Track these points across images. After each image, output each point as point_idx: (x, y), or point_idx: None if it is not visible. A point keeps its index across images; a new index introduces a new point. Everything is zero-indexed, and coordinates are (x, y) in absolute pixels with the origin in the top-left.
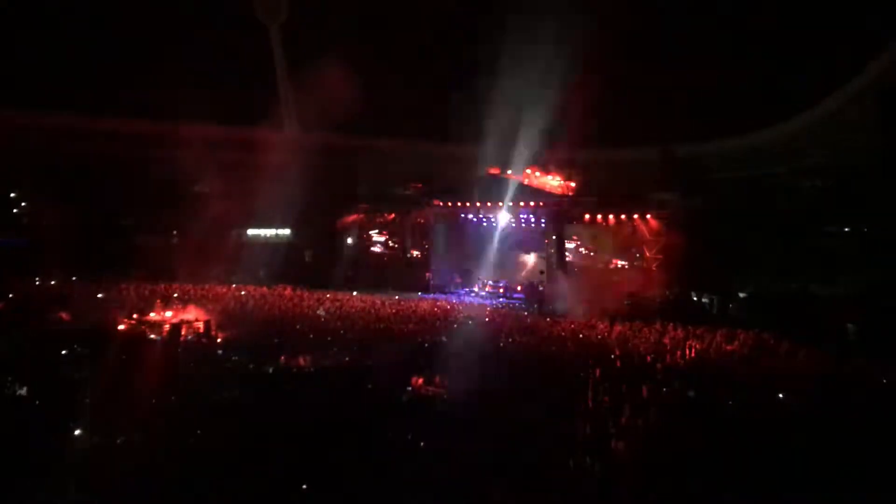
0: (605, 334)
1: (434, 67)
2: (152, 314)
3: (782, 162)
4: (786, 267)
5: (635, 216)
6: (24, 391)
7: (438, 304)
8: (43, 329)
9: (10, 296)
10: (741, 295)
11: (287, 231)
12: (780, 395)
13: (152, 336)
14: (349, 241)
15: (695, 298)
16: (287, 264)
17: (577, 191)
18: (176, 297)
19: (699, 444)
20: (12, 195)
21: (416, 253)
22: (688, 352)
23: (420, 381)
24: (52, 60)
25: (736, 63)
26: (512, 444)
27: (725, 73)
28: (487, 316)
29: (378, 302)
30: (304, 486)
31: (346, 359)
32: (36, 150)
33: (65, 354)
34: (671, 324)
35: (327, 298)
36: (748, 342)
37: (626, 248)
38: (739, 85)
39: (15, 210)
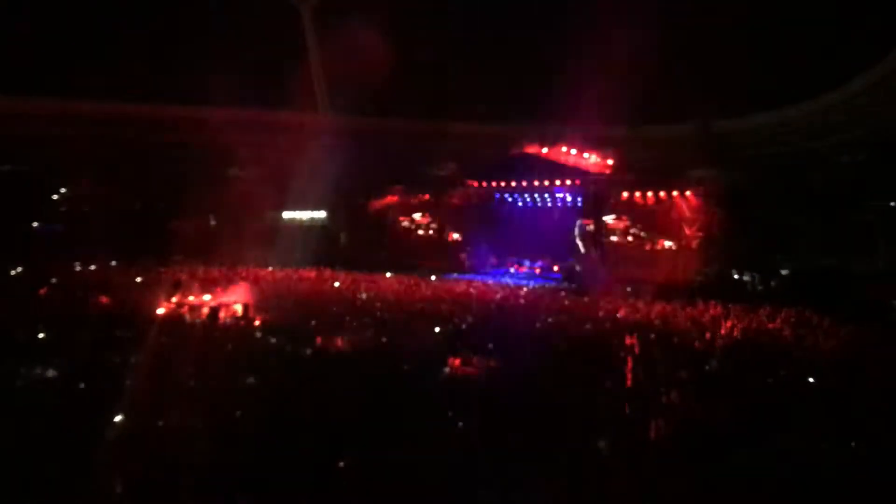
0: (644, 313)
1: (467, 46)
2: (191, 297)
3: (821, 136)
4: (827, 243)
5: (674, 193)
6: (65, 375)
7: (474, 284)
8: (83, 313)
9: (52, 280)
10: (782, 272)
11: (322, 213)
12: (820, 374)
13: (191, 319)
14: (384, 222)
15: (735, 276)
16: (323, 246)
17: (615, 168)
18: (213, 280)
19: (736, 426)
20: (52, 181)
21: (451, 234)
22: (728, 330)
23: (457, 361)
24: (88, 46)
25: (772, 37)
26: (549, 425)
27: (762, 47)
28: (524, 296)
29: (414, 283)
30: (341, 465)
31: (383, 340)
32: (74, 137)
33: (105, 338)
34: (711, 302)
35: (363, 280)
36: (789, 320)
37: (665, 226)
38: (776, 59)
39: (54, 196)
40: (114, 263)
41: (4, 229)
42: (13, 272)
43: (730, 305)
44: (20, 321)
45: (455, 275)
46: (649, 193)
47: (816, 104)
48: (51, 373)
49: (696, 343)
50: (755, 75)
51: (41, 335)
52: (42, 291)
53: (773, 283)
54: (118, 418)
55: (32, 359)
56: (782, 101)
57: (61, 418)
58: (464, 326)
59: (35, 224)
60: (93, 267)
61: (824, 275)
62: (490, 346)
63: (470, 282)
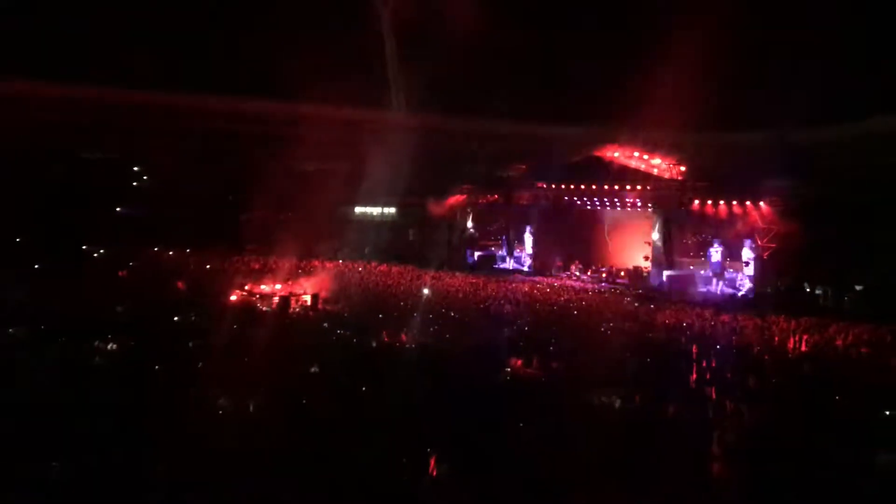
0: (711, 323)
1: (541, 47)
2: (263, 286)
3: None
4: None
5: (747, 203)
6: (142, 355)
7: (538, 286)
8: (161, 297)
9: (131, 264)
10: (857, 287)
11: (392, 210)
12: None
13: (263, 307)
14: (452, 221)
15: (808, 290)
16: (391, 242)
17: (687, 176)
18: (285, 271)
19: (804, 442)
20: (135, 169)
21: (517, 235)
22: (797, 344)
23: (519, 362)
24: (171, 39)
25: (856, 43)
26: (609, 430)
27: (845, 54)
28: (588, 300)
29: (479, 282)
30: (404, 460)
31: (447, 336)
32: (156, 127)
33: (180, 322)
34: (781, 315)
35: (429, 277)
36: (863, 336)
37: (737, 236)
38: (860, 67)
39: (135, 183)
40: (189, 251)
41: (89, 213)
42: (96, 254)
43: (797, 319)
44: (101, 301)
45: (519, 275)
46: (722, 202)
47: None
48: (127, 350)
49: (758, 354)
50: (839, 84)
51: (119, 314)
52: (122, 274)
53: (846, 299)
54: (188, 396)
55: (110, 336)
56: (867, 112)
57: (136, 394)
58: (527, 328)
59: (118, 209)
60: (170, 252)
61: None
62: (552, 348)
63: (534, 283)
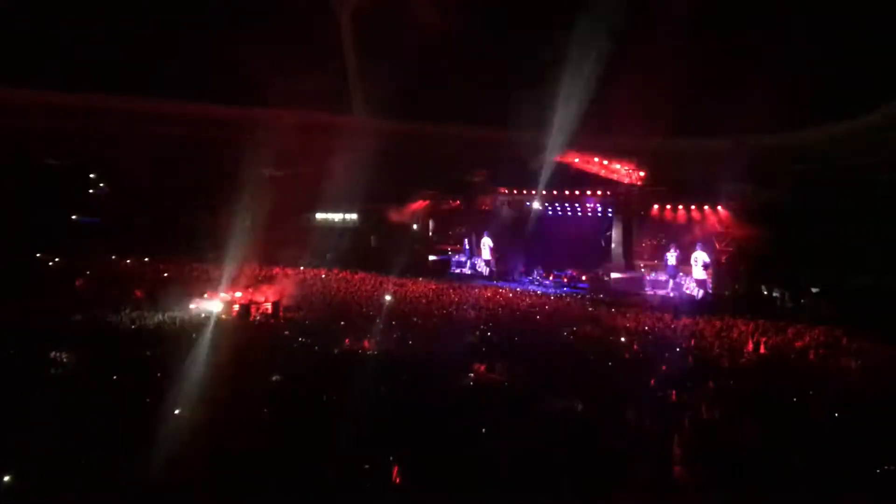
0: (671, 326)
1: (501, 52)
2: (223, 294)
3: (864, 154)
4: (863, 261)
5: (705, 207)
6: (102, 367)
7: (501, 291)
8: (117, 306)
9: (87, 273)
10: (813, 290)
11: (354, 216)
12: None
13: (222, 316)
14: (414, 227)
15: (765, 292)
16: (354, 249)
17: (646, 180)
18: (245, 278)
19: (761, 444)
20: (91, 176)
21: (479, 241)
22: (756, 346)
23: (482, 367)
24: (120, 45)
25: (815, 50)
26: (572, 435)
27: (804, 60)
28: (551, 305)
29: (441, 288)
30: (367, 467)
31: (410, 342)
32: (111, 132)
33: (139, 331)
34: (740, 318)
35: (391, 283)
36: (819, 338)
37: (695, 240)
38: (818, 74)
39: (91, 191)
40: (147, 259)
41: (44, 221)
42: (51, 263)
43: (755, 322)
44: (55, 310)
45: (482, 281)
46: (680, 207)
47: (859, 122)
48: (82, 363)
49: (717, 356)
50: (796, 90)
51: (75, 325)
52: (77, 283)
53: (803, 301)
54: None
55: (64, 348)
56: (824, 118)
57: (91, 407)
58: (489, 333)
59: (73, 217)
60: (128, 260)
61: (859, 294)
62: (515, 353)
63: (497, 289)
